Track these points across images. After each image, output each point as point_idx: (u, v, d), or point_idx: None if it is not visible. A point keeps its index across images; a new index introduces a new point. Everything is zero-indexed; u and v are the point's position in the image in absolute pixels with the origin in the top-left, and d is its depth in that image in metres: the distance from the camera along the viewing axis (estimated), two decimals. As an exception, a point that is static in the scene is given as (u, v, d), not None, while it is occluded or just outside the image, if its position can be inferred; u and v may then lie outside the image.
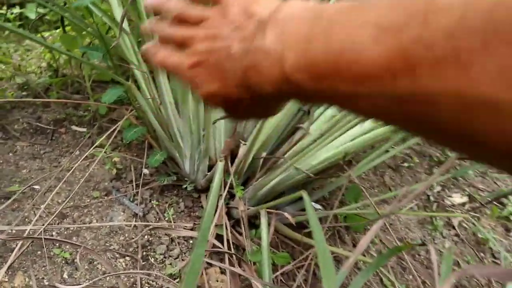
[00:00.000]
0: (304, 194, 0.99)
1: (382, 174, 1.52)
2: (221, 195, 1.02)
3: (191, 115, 0.91)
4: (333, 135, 0.81)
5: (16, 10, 2.27)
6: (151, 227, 0.98)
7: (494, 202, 1.52)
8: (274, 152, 1.00)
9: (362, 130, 0.76)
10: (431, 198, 1.52)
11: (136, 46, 0.91)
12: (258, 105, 0.35)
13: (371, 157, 0.98)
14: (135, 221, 1.00)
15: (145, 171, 1.13)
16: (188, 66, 0.38)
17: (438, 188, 1.57)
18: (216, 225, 0.93)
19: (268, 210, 0.97)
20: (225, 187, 1.02)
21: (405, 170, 1.60)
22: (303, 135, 0.87)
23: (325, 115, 0.88)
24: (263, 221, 0.71)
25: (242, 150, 0.93)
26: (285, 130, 0.98)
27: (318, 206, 1.20)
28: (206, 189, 1.07)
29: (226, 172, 1.00)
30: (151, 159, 1.03)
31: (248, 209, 0.85)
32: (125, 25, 0.89)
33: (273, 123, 0.89)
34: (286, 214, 0.75)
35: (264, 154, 0.89)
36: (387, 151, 1.22)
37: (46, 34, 1.87)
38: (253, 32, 0.31)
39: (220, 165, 0.90)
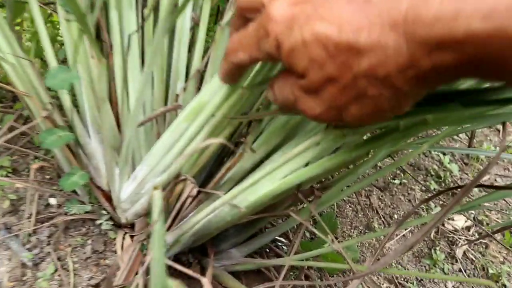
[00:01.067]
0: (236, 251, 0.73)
1: (368, 194, 1.25)
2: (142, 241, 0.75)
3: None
4: (279, 158, 0.54)
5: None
6: (39, 280, 0.71)
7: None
8: (212, 176, 0.73)
9: (322, 149, 0.48)
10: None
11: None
12: (399, 81, 0.30)
13: (345, 181, 0.71)
14: (22, 273, 0.72)
15: (52, 200, 0.86)
16: (291, 2, 0.34)
17: (437, 209, 1.30)
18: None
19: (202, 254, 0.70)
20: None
21: (396, 188, 1.32)
22: (242, 153, 0.60)
23: (276, 124, 0.61)
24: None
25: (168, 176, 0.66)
26: (225, 148, 0.71)
27: (282, 238, 0.93)
28: (130, 226, 0.80)
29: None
30: (64, 180, 0.74)
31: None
32: None
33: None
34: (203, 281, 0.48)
35: (194, 189, 0.61)
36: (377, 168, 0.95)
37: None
38: None
39: (157, 195, 0.63)
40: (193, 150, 0.60)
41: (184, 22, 0.70)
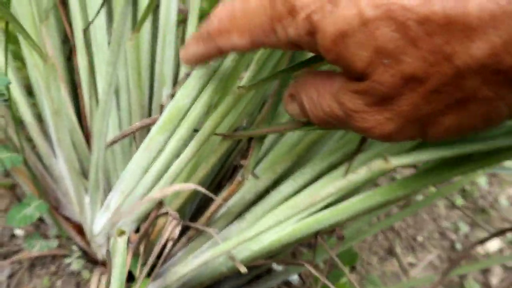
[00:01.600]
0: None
1: (388, 213, 1.10)
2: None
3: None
4: (288, 189, 0.40)
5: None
6: None
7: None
8: (204, 206, 0.59)
9: (347, 185, 0.34)
10: (457, 245, 1.10)
11: None
12: None
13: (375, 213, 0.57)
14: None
15: (18, 231, 0.72)
16: None
17: (466, 229, 1.15)
18: None
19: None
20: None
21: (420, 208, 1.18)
22: (241, 181, 0.46)
23: (284, 143, 0.47)
24: None
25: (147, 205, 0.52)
26: (221, 170, 0.57)
27: (294, 278, 0.79)
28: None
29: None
30: (13, 213, 0.60)
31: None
32: None
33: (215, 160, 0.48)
34: None
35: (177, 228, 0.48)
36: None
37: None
38: None
39: (121, 243, 0.48)
40: (175, 173, 0.46)
41: (168, 15, 0.56)
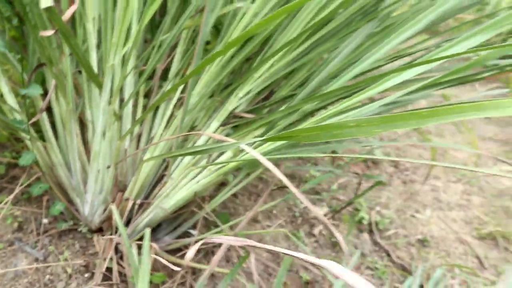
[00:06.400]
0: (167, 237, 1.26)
1: (255, 198, 1.83)
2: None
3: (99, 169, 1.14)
4: (187, 179, 1.09)
5: None
6: (50, 267, 1.19)
7: (349, 209, 1.90)
8: (149, 195, 1.26)
9: (206, 174, 1.04)
10: (297, 214, 1.84)
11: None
12: None
13: (225, 190, 1.27)
14: (37, 265, 1.20)
15: (45, 220, 1.33)
16: None
17: (304, 205, 1.91)
18: (104, 259, 1.16)
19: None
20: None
21: (276, 193, 1.92)
22: (167, 180, 1.14)
23: (183, 163, 1.16)
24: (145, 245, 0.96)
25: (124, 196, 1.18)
26: (155, 177, 1.25)
27: (194, 232, 1.47)
28: (99, 230, 1.29)
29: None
30: (52, 208, 1.23)
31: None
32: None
33: (146, 173, 1.15)
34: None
35: (139, 200, 1.14)
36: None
37: None
38: None
39: (115, 209, 1.13)
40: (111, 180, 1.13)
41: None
